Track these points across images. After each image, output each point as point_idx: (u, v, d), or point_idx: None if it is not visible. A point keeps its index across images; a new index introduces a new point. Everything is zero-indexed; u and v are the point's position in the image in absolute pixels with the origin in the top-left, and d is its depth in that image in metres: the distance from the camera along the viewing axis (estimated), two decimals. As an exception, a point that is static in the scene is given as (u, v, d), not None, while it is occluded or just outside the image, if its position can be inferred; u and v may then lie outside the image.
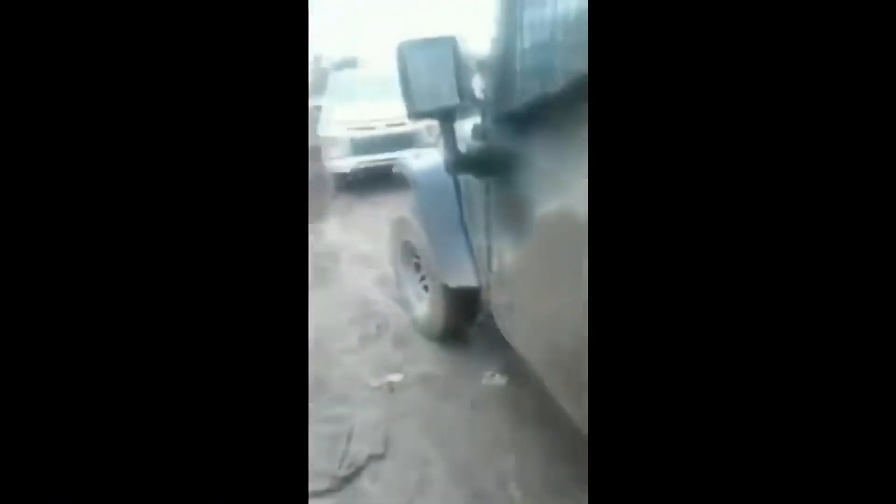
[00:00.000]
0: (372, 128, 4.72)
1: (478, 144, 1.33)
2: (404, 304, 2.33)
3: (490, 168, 1.28)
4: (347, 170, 4.77)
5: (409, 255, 2.21)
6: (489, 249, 1.44)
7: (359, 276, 2.89)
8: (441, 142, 1.37)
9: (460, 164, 1.31)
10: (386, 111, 4.70)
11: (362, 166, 4.74)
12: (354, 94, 5.48)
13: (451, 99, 1.18)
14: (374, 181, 4.70)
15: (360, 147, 4.72)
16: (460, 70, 1.18)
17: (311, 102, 5.78)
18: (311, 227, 4.00)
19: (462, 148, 1.30)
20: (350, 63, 12.61)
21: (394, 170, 2.21)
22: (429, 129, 4.64)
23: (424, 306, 2.14)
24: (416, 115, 1.18)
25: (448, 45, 1.17)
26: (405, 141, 4.55)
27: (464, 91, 1.20)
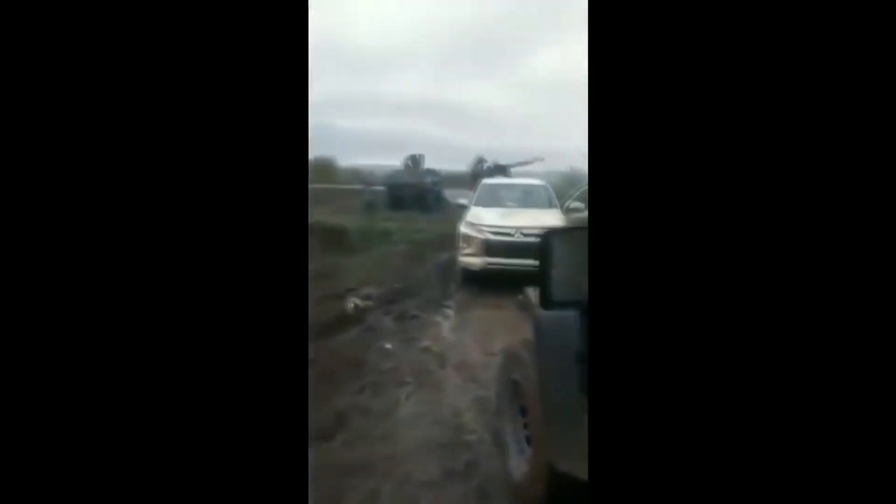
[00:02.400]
0: (508, 234, 4.80)
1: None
2: (501, 445, 2.05)
3: None
4: (477, 268, 4.83)
5: (516, 397, 1.98)
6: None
7: (460, 391, 2.71)
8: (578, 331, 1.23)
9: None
10: (523, 219, 4.87)
11: (491, 267, 4.77)
12: (499, 198, 5.76)
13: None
14: (498, 283, 4.66)
15: (493, 249, 4.78)
16: None
17: (458, 200, 6.22)
18: (425, 318, 4.03)
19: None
20: (502, 169, 13.55)
21: (518, 298, 2.08)
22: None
23: (523, 464, 1.84)
24: (550, 304, 1.08)
25: None
26: (536, 252, 4.47)
27: None
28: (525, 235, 4.71)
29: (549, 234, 1.13)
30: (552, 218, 5.02)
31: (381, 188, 14.03)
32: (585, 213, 5.03)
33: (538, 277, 1.14)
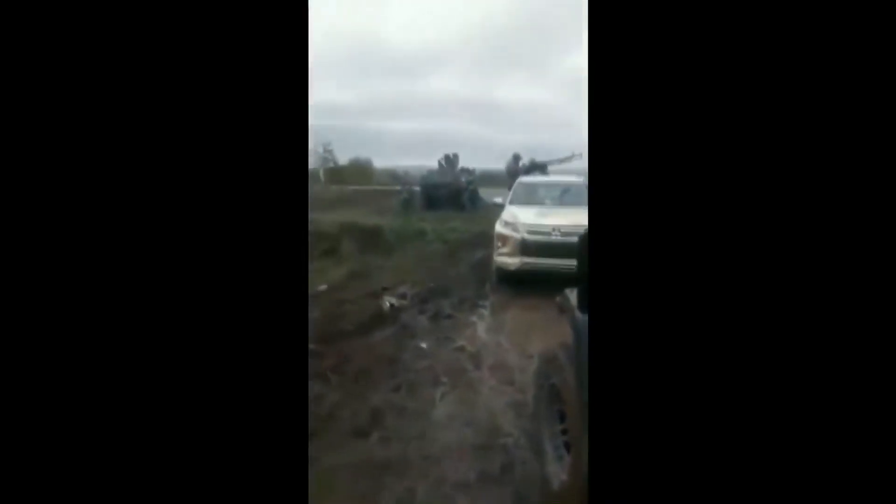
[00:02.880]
0: (546, 233, 4.68)
1: None
2: (538, 451, 2.00)
3: None
4: (513, 268, 4.76)
5: (554, 402, 1.92)
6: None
7: (495, 393, 2.67)
8: None
9: None
10: (560, 218, 4.71)
11: (527, 267, 4.68)
12: (536, 196, 5.64)
13: None
14: (534, 284, 4.57)
15: (529, 248, 4.69)
16: None
17: (494, 199, 6.14)
18: (460, 317, 4.01)
19: None
20: (539, 167, 13.31)
21: (557, 299, 2.01)
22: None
23: (562, 471, 1.78)
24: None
25: None
26: (574, 251, 4.34)
27: None
28: (563, 235, 4.58)
29: (585, 238, 1.07)
30: None
31: (416, 188, 14.11)
32: None
33: (577, 279, 1.08)
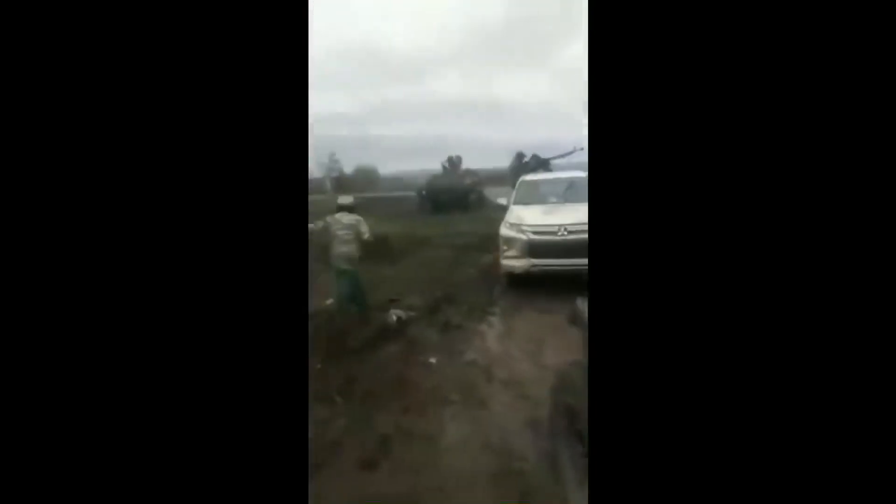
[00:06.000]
0: (552, 232, 4.51)
1: None
2: (558, 475, 1.86)
3: None
4: (520, 271, 4.61)
5: (572, 422, 1.77)
6: None
7: (509, 410, 2.52)
8: None
9: None
10: (567, 216, 4.54)
11: (536, 269, 4.53)
12: (540, 194, 5.48)
13: None
14: (544, 286, 4.42)
15: (537, 250, 4.53)
16: None
17: (498, 200, 5.99)
18: (470, 327, 3.87)
19: None
20: (542, 163, 13.11)
21: (568, 311, 1.87)
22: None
23: (584, 499, 1.64)
24: None
25: None
26: (584, 249, 4.20)
27: None
28: (570, 233, 4.41)
29: None
30: None
31: (423, 193, 14.02)
32: None
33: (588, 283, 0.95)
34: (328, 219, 3.77)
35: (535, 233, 4.58)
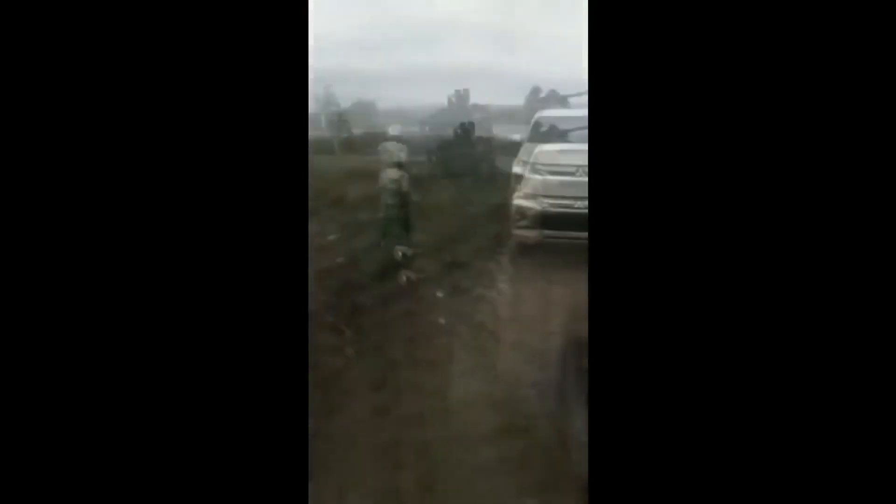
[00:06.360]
0: (570, 173, 4.40)
1: None
2: (565, 440, 1.92)
3: None
4: (532, 242, 4.60)
5: (580, 355, 1.81)
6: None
7: (517, 372, 2.58)
8: None
9: None
10: (585, 156, 4.39)
11: (549, 240, 4.51)
12: (557, 132, 5.29)
13: None
14: (557, 257, 4.42)
15: (551, 221, 4.50)
16: None
17: (514, 169, 5.90)
18: (479, 292, 3.91)
19: None
20: (561, 101, 12.56)
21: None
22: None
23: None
24: None
25: None
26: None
27: None
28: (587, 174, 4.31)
29: None
30: None
31: (432, 159, 13.80)
32: None
33: None
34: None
35: (548, 203, 4.51)
